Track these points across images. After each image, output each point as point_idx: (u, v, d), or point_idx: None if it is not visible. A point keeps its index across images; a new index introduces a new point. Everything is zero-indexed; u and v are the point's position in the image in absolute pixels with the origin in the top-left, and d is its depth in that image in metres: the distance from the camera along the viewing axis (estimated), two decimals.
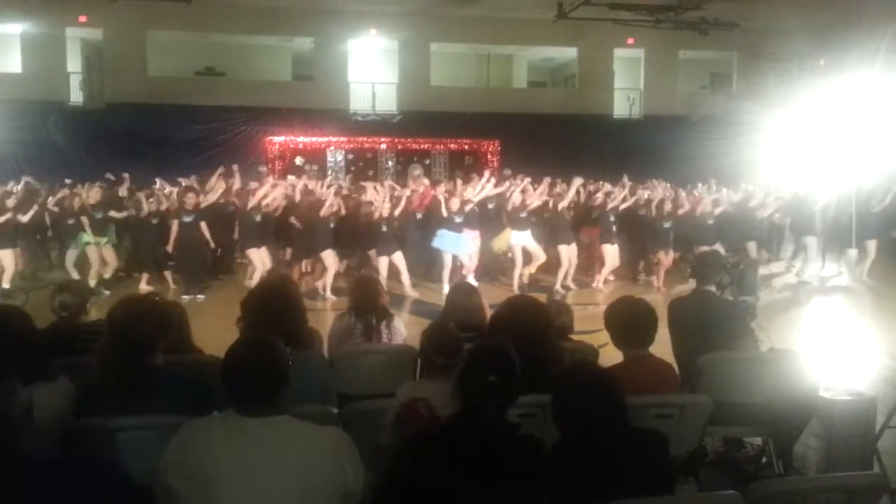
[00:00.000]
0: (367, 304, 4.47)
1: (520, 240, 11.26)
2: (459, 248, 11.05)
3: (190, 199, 10.90)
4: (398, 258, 10.83)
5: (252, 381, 2.19)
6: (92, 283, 10.28)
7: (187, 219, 10.72)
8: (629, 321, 3.48)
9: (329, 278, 10.72)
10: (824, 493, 2.42)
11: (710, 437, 4.21)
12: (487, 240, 11.65)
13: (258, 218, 10.81)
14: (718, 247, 10.95)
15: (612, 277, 11.92)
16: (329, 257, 10.73)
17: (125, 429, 2.63)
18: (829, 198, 12.30)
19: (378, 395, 3.38)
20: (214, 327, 4.46)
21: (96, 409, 2.68)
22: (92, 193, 11.05)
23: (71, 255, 11.25)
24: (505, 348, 2.56)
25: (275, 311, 3.24)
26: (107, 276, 10.99)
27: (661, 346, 3.79)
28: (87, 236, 10.82)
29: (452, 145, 21.18)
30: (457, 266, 11.21)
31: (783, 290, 11.86)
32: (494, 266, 12.31)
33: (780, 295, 11.45)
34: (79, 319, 3.91)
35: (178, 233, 10.74)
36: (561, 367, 3.14)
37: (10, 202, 11.11)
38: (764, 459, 4.26)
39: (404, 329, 4.55)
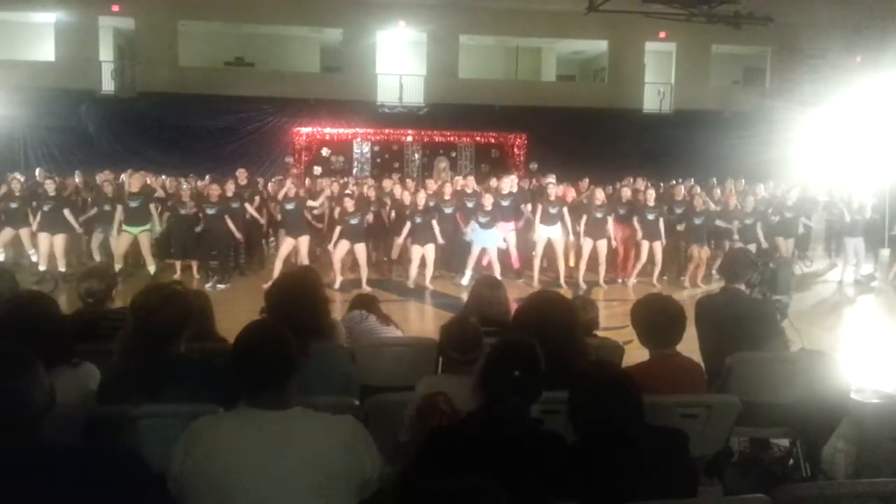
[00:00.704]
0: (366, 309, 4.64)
1: (546, 233, 11.23)
2: (491, 242, 11.08)
3: (213, 191, 11.01)
4: (430, 251, 10.91)
5: (261, 367, 2.18)
6: (117, 267, 10.37)
7: (210, 211, 10.84)
8: (656, 319, 3.41)
9: (337, 268, 10.81)
10: (856, 500, 2.34)
11: (736, 437, 4.13)
12: (523, 233, 11.67)
13: (290, 206, 10.96)
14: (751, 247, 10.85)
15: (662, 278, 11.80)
16: (340, 249, 10.81)
17: (147, 416, 2.63)
18: (863, 198, 12.09)
19: (401, 388, 3.36)
20: (240, 316, 4.48)
21: (119, 396, 2.68)
22: (133, 181, 11.13)
23: (96, 240, 11.37)
24: (531, 344, 2.52)
25: (297, 302, 3.23)
26: (151, 269, 10.94)
27: (688, 345, 3.72)
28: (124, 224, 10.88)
29: (479, 138, 21.06)
30: (484, 259, 11.25)
31: (817, 289, 11.68)
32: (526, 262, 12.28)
33: (813, 294, 11.27)
34: (105, 306, 3.92)
35: (204, 224, 10.88)
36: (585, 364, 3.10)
37: (51, 187, 11.14)
38: (791, 461, 4.17)
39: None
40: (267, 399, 2.15)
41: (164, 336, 2.78)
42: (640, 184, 13.15)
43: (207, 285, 10.40)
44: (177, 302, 2.87)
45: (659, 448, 2.42)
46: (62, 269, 10.70)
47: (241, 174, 12.31)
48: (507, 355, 2.45)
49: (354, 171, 20.14)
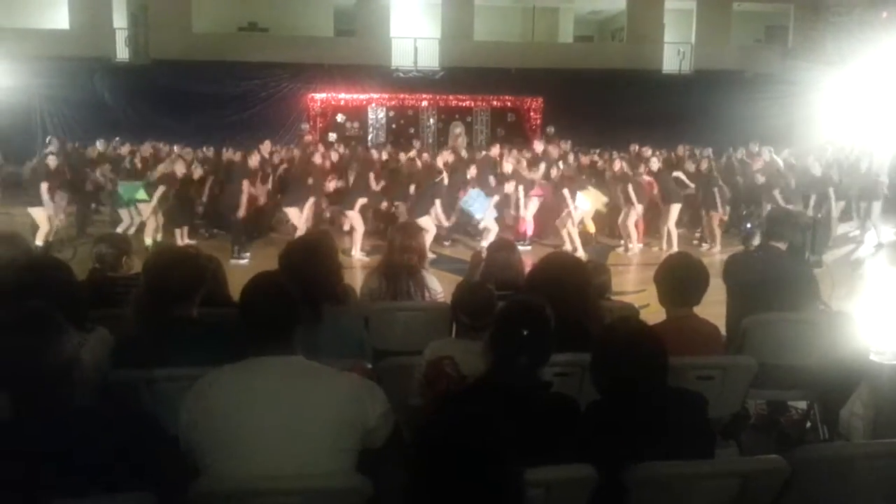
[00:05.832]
0: (398, 258, 4.34)
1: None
2: (482, 209, 11.09)
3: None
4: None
5: (264, 314, 2.24)
6: (148, 241, 10.46)
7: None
8: (677, 277, 3.37)
9: (358, 238, 10.83)
10: (872, 460, 2.32)
11: (753, 399, 4.10)
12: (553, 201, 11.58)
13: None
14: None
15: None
16: (358, 218, 10.84)
17: (160, 380, 2.65)
18: (882, 160, 11.86)
19: (415, 352, 3.34)
20: None
21: (133, 359, 2.70)
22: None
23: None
24: (540, 304, 2.49)
25: (310, 266, 3.21)
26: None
27: (711, 309, 3.65)
28: (141, 193, 10.96)
29: (495, 102, 20.86)
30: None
31: (842, 251, 11.59)
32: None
33: (837, 256, 11.17)
34: (117, 272, 3.94)
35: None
36: (601, 326, 3.06)
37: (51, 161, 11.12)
38: (808, 424, 4.15)
39: (438, 285, 4.47)
40: (272, 347, 2.20)
41: (176, 297, 2.79)
42: (647, 151, 13.29)
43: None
44: (188, 264, 2.88)
45: (678, 409, 2.39)
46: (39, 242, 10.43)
47: (265, 147, 12.58)
48: (516, 315, 2.42)
49: (370, 137, 20.08)
